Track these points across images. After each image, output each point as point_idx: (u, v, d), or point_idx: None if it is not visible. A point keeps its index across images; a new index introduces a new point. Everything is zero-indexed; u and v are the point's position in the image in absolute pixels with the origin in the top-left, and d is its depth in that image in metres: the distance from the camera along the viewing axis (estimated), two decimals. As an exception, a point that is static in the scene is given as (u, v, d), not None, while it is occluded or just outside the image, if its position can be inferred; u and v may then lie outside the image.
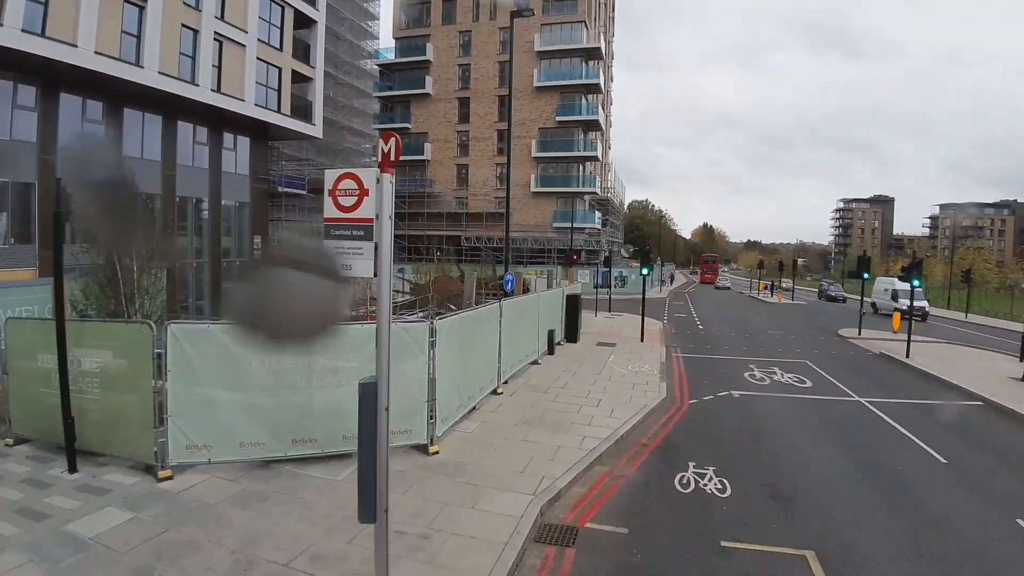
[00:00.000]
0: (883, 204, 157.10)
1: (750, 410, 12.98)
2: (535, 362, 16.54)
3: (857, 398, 14.47)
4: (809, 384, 15.87)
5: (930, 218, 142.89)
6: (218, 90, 26.16)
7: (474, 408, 11.30)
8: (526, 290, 28.91)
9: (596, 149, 50.46)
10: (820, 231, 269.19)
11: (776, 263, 69.85)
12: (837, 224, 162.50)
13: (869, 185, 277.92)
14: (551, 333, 18.24)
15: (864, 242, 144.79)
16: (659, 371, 16.57)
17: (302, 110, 33.66)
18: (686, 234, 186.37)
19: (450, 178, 54.10)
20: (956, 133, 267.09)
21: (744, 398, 14.03)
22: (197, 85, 24.63)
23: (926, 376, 17.70)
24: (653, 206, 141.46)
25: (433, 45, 54.43)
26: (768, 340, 24.54)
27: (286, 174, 36.34)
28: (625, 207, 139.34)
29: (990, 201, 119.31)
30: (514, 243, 49.84)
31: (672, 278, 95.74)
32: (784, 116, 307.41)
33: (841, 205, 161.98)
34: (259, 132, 30.68)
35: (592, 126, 51.34)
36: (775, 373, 17.15)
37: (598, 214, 54.01)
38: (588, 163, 53.31)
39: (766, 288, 65.73)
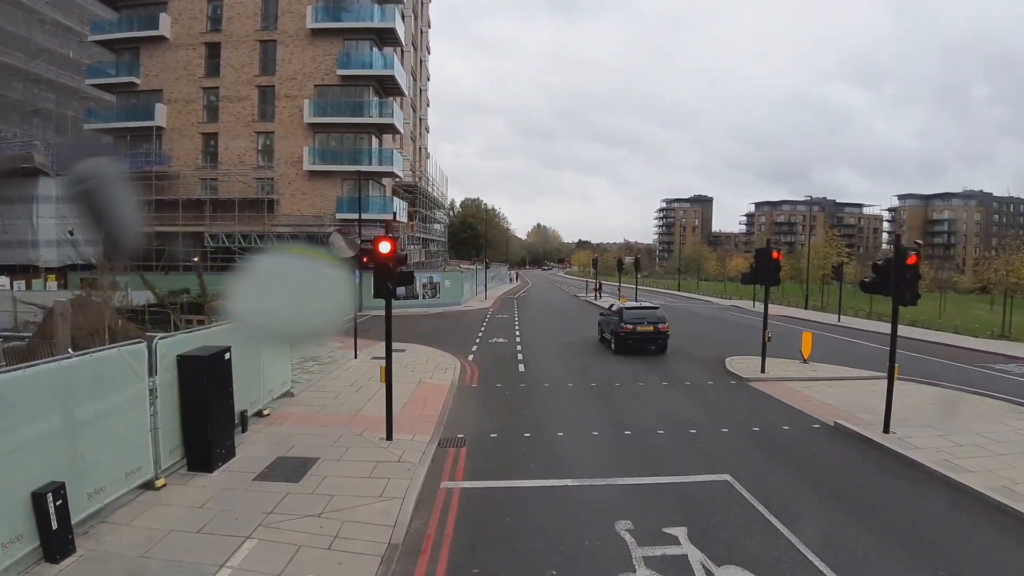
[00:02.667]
0: (703, 203, 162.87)
1: None
2: None
3: None
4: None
5: (746, 215, 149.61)
6: None
7: None
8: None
9: (394, 115, 38.14)
10: (643, 230, 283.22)
11: (615, 261, 62.70)
12: (660, 223, 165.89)
13: (650, 183, 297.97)
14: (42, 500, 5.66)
15: (687, 239, 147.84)
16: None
17: None
18: (521, 234, 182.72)
19: (193, 152, 39.00)
20: (720, 124, 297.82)
21: None
22: None
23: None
24: (486, 204, 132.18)
25: (169, -31, 38.82)
26: (632, 401, 13.86)
27: None
28: (457, 205, 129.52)
29: (800, 199, 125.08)
30: (281, 240, 35.90)
31: (516, 277, 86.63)
32: (539, 101, 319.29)
33: (664, 205, 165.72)
34: None
35: (389, 86, 39.01)
36: None
37: (403, 204, 41.79)
38: (387, 135, 40.95)
39: (600, 289, 57.79)
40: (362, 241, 30.59)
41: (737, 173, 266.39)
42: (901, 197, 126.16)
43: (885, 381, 15.92)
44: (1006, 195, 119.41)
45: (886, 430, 11.19)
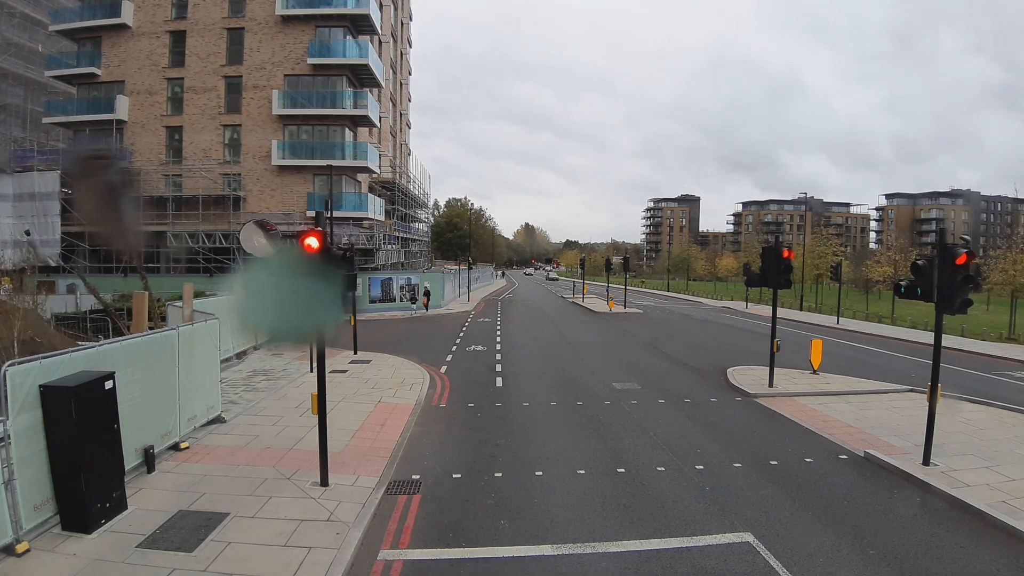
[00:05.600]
0: (690, 203, 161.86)
1: None
2: None
3: None
4: None
5: (733, 215, 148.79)
6: None
7: None
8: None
9: (369, 107, 36.01)
10: (629, 230, 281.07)
11: (602, 261, 61.06)
12: (648, 223, 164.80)
13: (602, 175, 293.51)
14: None
15: (673, 239, 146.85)
16: None
17: None
18: (508, 234, 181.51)
19: (156, 147, 36.68)
20: (652, 99, 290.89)
21: None
22: None
23: None
24: (472, 204, 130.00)
25: (129, -47, 36.48)
26: (625, 424, 11.97)
27: None
28: (442, 205, 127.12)
29: (787, 198, 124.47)
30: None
31: (503, 275, 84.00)
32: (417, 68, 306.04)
33: (651, 205, 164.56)
34: None
35: (363, 76, 36.88)
36: None
37: (380, 201, 39.67)
38: (362, 128, 38.88)
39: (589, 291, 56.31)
40: (332, 241, 28.43)
41: (692, 163, 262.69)
42: (888, 196, 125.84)
43: (906, 396, 14.33)
44: (993, 194, 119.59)
45: (926, 462, 9.41)
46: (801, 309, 39.80)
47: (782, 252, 13.53)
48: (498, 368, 17.39)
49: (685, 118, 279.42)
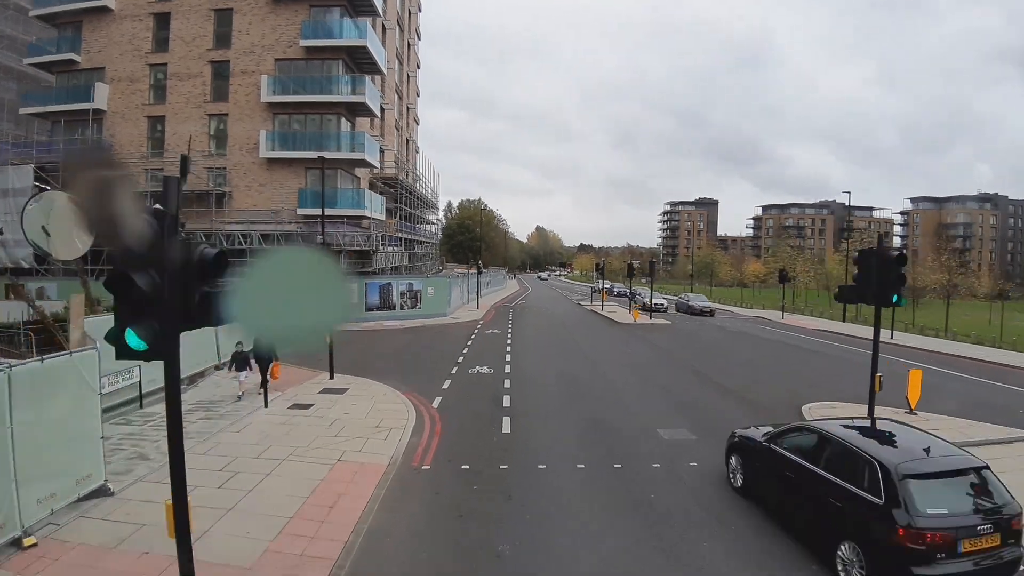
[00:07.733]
0: (708, 206, 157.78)
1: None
2: None
3: None
4: None
5: (753, 219, 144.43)
6: None
7: None
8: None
9: (367, 93, 32.65)
10: (646, 233, 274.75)
11: (617, 265, 57.50)
12: (665, 226, 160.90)
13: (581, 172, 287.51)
14: None
15: (692, 243, 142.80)
16: None
17: None
18: (522, 237, 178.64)
19: (137, 138, 33.48)
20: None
21: None
22: None
23: None
24: (486, 206, 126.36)
25: (110, -73, 33.48)
26: (683, 499, 8.46)
27: None
28: (454, 207, 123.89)
29: (810, 202, 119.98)
30: (231, 241, 30.36)
31: (515, 275, 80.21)
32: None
33: (668, 208, 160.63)
34: None
35: (361, 60, 33.49)
36: None
37: (380, 199, 36.29)
38: (362, 119, 35.54)
39: (610, 298, 52.72)
40: (324, 242, 25.15)
41: (672, 157, 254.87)
42: (913, 200, 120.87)
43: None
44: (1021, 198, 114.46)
45: None
46: (844, 320, 35.90)
47: (893, 257, 9.83)
48: (506, 402, 13.83)
49: (669, 107, 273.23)
